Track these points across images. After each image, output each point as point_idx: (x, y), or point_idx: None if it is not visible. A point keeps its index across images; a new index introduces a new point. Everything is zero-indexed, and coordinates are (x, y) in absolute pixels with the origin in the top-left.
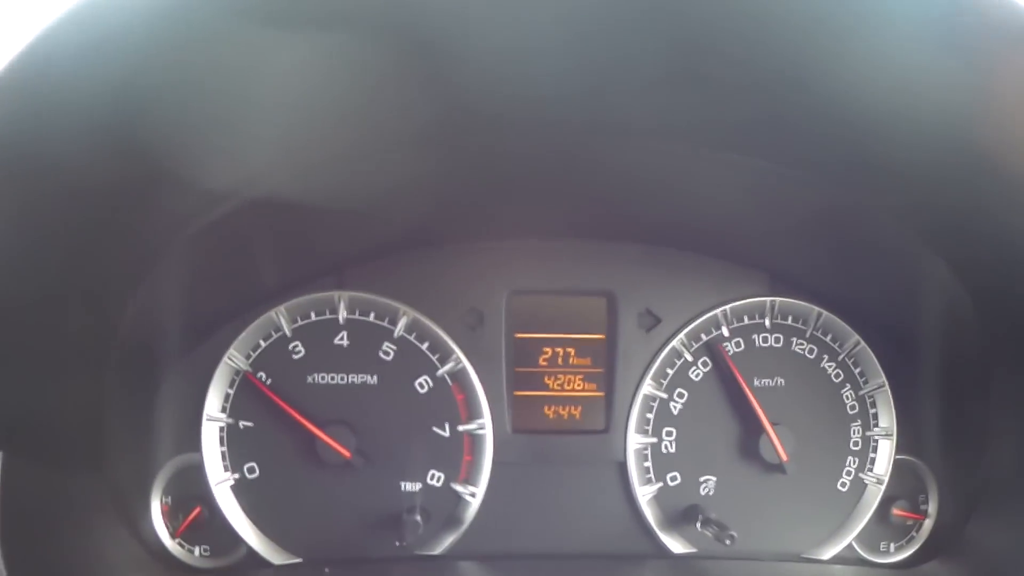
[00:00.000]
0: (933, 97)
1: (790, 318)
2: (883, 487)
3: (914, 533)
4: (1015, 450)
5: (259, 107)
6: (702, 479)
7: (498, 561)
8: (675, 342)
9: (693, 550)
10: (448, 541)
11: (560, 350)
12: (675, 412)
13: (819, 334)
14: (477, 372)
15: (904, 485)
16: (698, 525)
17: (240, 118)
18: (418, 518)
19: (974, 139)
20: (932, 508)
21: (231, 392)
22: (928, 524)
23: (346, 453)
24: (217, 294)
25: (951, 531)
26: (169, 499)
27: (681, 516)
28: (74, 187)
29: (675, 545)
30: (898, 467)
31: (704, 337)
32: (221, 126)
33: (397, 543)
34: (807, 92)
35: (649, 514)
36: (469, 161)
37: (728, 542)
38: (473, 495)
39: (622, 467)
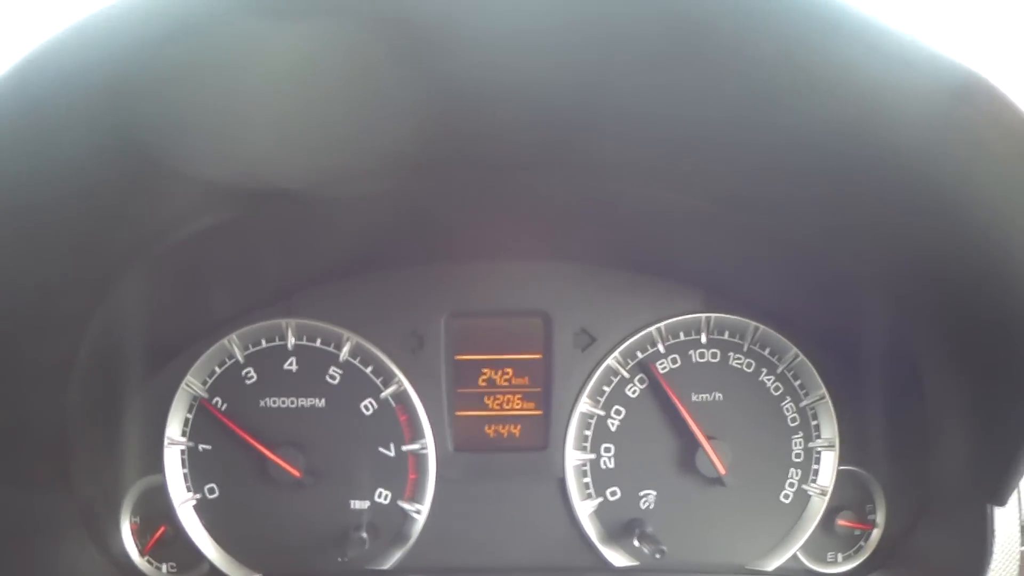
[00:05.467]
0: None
1: (727, 333)
2: (827, 498)
3: (862, 543)
4: (959, 459)
5: (230, 109)
6: (642, 493)
7: (444, 575)
8: (610, 360)
9: (635, 563)
10: (396, 556)
11: (499, 371)
12: (613, 428)
13: (757, 348)
14: (419, 394)
15: (850, 495)
16: (635, 540)
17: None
18: (364, 534)
19: (909, 161)
20: (880, 518)
21: (190, 417)
22: (876, 534)
23: (296, 473)
24: (174, 321)
25: (899, 541)
26: (138, 519)
27: (622, 530)
28: (37, 203)
29: (617, 559)
30: (843, 478)
31: (640, 354)
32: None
33: (340, 559)
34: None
35: (590, 528)
36: (432, 176)
37: (658, 556)
38: (419, 512)
39: (562, 483)
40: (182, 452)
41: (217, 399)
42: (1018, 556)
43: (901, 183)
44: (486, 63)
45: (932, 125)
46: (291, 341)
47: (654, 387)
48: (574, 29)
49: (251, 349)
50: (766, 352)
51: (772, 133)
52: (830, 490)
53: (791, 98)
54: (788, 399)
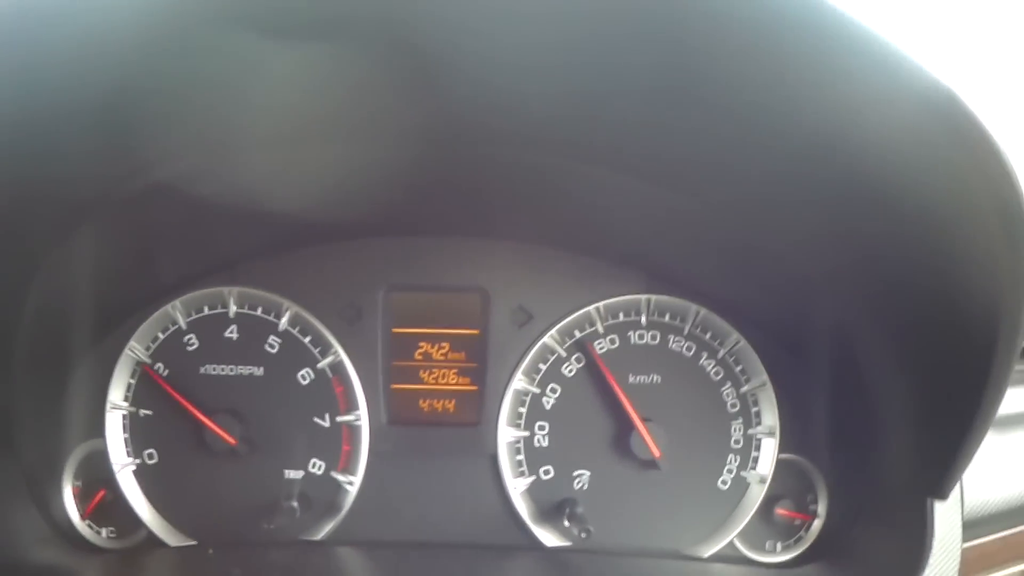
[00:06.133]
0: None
1: (667, 315)
2: (766, 486)
3: (803, 533)
4: (901, 452)
5: (200, 82)
6: (576, 473)
7: (374, 548)
8: (547, 338)
9: (567, 543)
10: (328, 527)
11: (435, 345)
12: (548, 407)
13: (698, 332)
14: (355, 365)
15: (791, 485)
16: (565, 520)
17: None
18: (295, 504)
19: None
20: (821, 508)
21: (133, 382)
22: (817, 524)
23: (231, 440)
24: (119, 287)
25: (840, 532)
26: (80, 482)
27: (555, 510)
28: None
29: (548, 538)
30: (784, 466)
31: (578, 333)
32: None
33: (267, 526)
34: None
35: (522, 506)
36: (395, 154)
37: (583, 536)
38: (351, 484)
39: (494, 459)
40: (124, 417)
41: (159, 365)
42: (959, 553)
43: (857, 185)
44: (440, 40)
45: (895, 132)
46: (232, 309)
47: (591, 367)
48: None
49: (194, 316)
50: (707, 336)
51: (729, 123)
52: (769, 478)
53: (756, 93)
54: (728, 384)
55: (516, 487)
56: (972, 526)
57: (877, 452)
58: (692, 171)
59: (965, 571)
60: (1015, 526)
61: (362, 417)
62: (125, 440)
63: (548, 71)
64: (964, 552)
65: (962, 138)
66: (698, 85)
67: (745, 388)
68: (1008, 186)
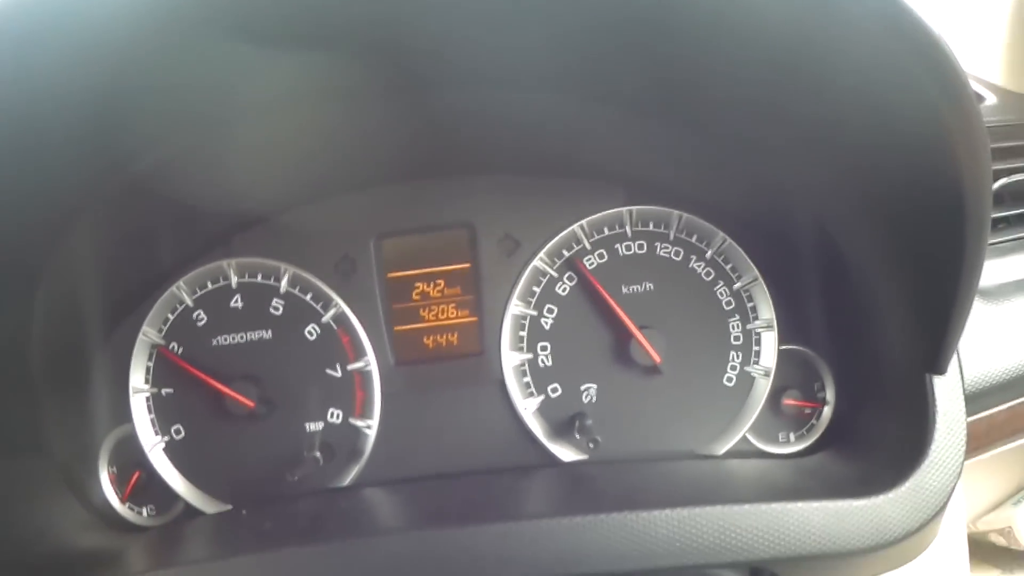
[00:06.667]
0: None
1: (651, 224)
2: (771, 379)
3: (814, 421)
4: (896, 330)
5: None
6: (583, 387)
7: (400, 486)
8: (536, 262)
9: (583, 457)
10: (353, 473)
11: (431, 283)
12: (547, 327)
13: (683, 236)
14: (357, 314)
15: (798, 375)
16: (576, 433)
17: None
18: (317, 454)
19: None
20: (829, 395)
21: (151, 365)
22: (827, 411)
23: (249, 404)
24: (124, 276)
25: (850, 417)
26: (115, 468)
27: (567, 425)
28: None
29: (565, 454)
30: (789, 357)
31: (566, 253)
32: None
33: (289, 478)
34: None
35: (535, 426)
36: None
37: (591, 446)
38: (370, 427)
39: (502, 385)
40: (147, 399)
41: (173, 344)
42: (964, 427)
43: (817, 86)
44: None
45: (849, 35)
46: (234, 280)
47: (583, 283)
48: None
49: (199, 292)
50: (693, 239)
51: (694, 44)
52: (773, 370)
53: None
54: (720, 283)
55: (527, 408)
56: (976, 398)
57: (873, 334)
58: (662, 94)
59: (975, 444)
60: (1021, 396)
61: (371, 362)
62: (151, 421)
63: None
64: (971, 425)
65: (902, 32)
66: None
67: (738, 285)
68: (949, 69)
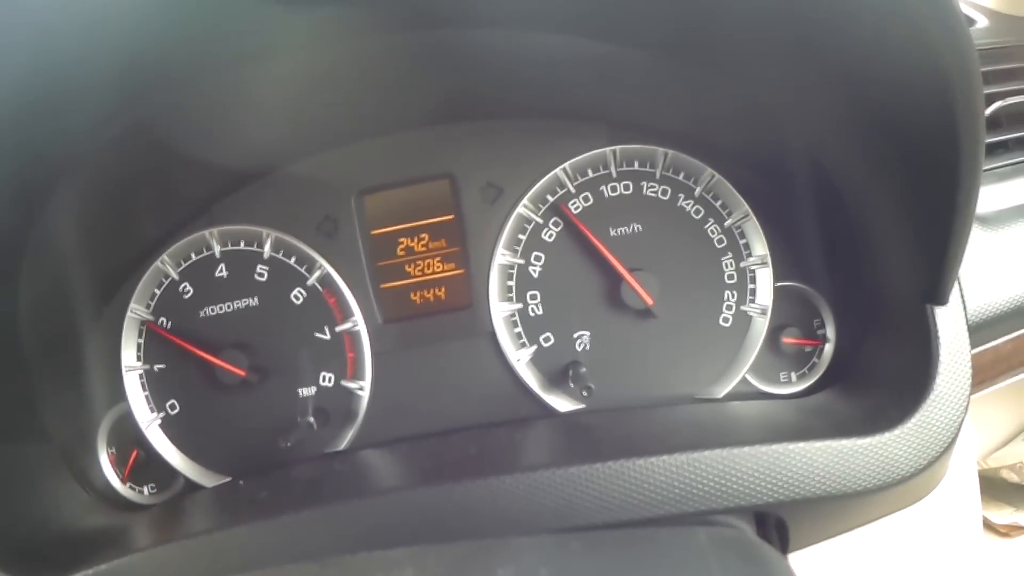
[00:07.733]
0: None
1: (636, 163)
2: (768, 317)
3: (816, 359)
4: (894, 263)
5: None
6: (576, 335)
7: (395, 445)
8: (520, 208)
9: (580, 406)
10: (349, 436)
11: (415, 238)
12: (535, 276)
13: (670, 174)
14: (341, 274)
15: (797, 313)
16: (570, 382)
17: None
18: (311, 419)
19: None
20: (830, 332)
21: (141, 341)
22: (828, 349)
23: (240, 372)
24: (105, 254)
25: (852, 354)
26: (113, 448)
27: (562, 375)
28: None
29: (561, 404)
30: (787, 295)
31: (550, 198)
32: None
33: (282, 444)
34: None
35: (529, 377)
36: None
37: (585, 394)
38: (362, 389)
39: (493, 336)
40: (140, 376)
41: (162, 319)
42: (968, 358)
43: (823, 9)
44: None
45: None
46: (217, 249)
47: (569, 228)
48: None
49: (183, 265)
50: (680, 177)
51: None
52: (770, 308)
53: None
54: (711, 221)
55: (519, 359)
56: (980, 329)
57: (871, 266)
58: (654, 25)
59: (980, 377)
60: None
61: (359, 322)
62: (146, 398)
63: None
64: (976, 357)
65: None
66: None
67: (728, 222)
68: None
